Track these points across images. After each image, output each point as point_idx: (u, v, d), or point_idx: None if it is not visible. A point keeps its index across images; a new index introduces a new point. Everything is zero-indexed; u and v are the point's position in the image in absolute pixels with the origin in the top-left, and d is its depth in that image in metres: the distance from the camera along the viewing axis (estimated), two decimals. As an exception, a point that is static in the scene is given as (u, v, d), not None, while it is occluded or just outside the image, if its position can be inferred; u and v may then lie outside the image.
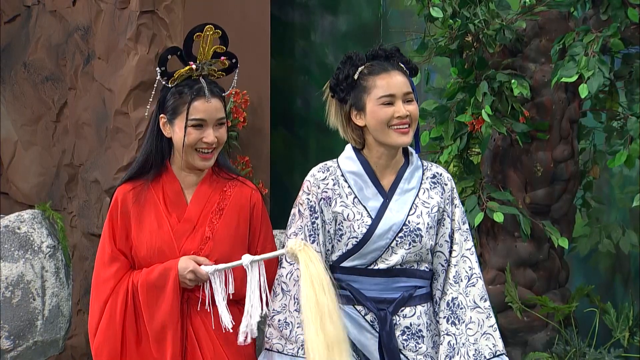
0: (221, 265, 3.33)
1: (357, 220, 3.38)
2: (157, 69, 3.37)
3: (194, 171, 3.43)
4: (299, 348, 3.34)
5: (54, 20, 6.01)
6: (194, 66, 3.37)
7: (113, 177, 5.64)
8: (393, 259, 3.37)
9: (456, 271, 3.44)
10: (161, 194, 3.41)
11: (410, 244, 3.38)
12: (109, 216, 3.43)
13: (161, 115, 3.42)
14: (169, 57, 3.38)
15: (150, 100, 3.47)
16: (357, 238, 3.37)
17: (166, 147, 3.43)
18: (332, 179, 3.43)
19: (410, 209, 3.40)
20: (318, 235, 3.40)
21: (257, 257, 3.33)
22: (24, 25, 6.17)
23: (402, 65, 3.41)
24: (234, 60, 3.44)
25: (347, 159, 3.46)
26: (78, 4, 5.87)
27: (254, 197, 3.46)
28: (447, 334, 3.42)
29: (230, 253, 3.39)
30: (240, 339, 3.29)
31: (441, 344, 3.42)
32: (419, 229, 3.39)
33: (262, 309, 3.33)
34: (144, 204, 3.40)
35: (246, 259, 3.31)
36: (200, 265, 3.32)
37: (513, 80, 4.53)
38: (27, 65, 6.12)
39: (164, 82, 3.39)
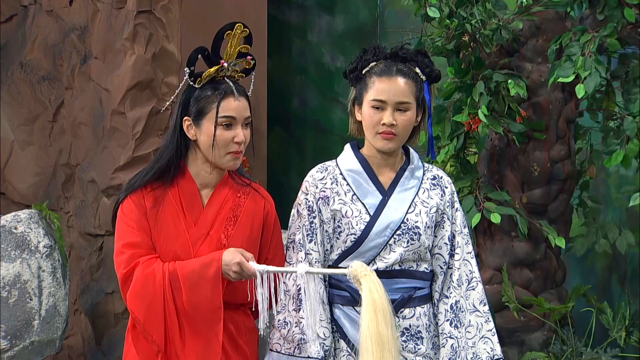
0: (272, 268, 3.27)
1: (356, 217, 3.38)
2: (186, 69, 3.33)
3: (215, 171, 3.40)
4: (295, 347, 3.35)
5: (51, 20, 6.00)
6: (225, 64, 3.35)
7: (110, 177, 5.63)
8: (391, 258, 3.38)
9: (459, 274, 3.44)
10: (177, 196, 3.38)
11: (408, 242, 3.38)
12: (137, 213, 3.35)
13: (185, 117, 3.38)
14: (199, 56, 3.34)
15: (173, 97, 3.42)
16: (355, 235, 3.37)
17: (184, 149, 3.40)
18: (331, 178, 3.43)
19: (409, 207, 3.41)
20: (316, 235, 3.41)
21: (313, 270, 3.29)
22: (21, 25, 6.17)
23: (419, 71, 3.40)
24: (253, 62, 3.43)
25: (346, 157, 3.46)
26: (75, 4, 5.86)
27: (267, 206, 3.45)
28: (450, 337, 3.42)
29: None
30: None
31: (443, 346, 3.42)
32: (417, 227, 3.39)
33: (316, 320, 3.28)
34: (162, 206, 3.37)
35: (302, 268, 3.26)
36: (248, 260, 3.27)
37: (510, 80, 4.53)
38: (23, 65, 6.11)
39: (190, 82, 3.36)
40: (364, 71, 3.40)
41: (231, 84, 3.36)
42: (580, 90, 4.34)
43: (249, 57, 3.41)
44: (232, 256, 3.26)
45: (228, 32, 3.35)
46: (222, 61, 3.35)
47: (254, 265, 3.26)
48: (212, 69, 3.34)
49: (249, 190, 3.44)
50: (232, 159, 3.36)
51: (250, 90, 3.43)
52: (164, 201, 3.37)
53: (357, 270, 3.22)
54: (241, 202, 3.41)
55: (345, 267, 3.29)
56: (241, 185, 3.43)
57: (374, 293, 3.18)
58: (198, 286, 3.27)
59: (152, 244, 3.34)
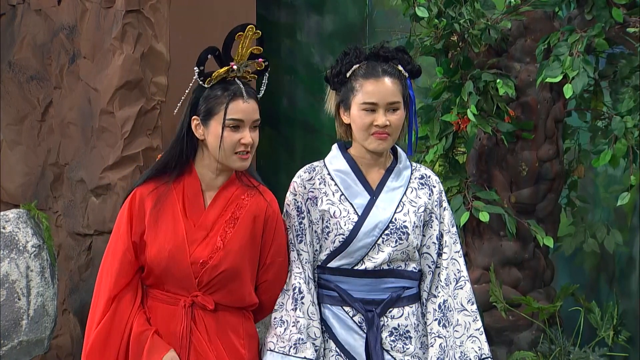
0: None
1: (344, 217, 3.38)
2: (195, 68, 3.30)
3: (224, 172, 3.37)
4: (291, 347, 3.34)
5: (39, 20, 5.99)
6: (235, 66, 3.33)
7: (99, 177, 5.63)
8: (379, 258, 3.38)
9: (447, 274, 3.44)
10: (181, 194, 3.35)
11: (396, 242, 3.39)
12: (127, 215, 3.34)
13: (193, 117, 3.35)
14: (208, 57, 3.31)
15: (182, 98, 3.41)
16: (343, 235, 3.37)
17: (191, 148, 3.37)
18: (319, 179, 3.44)
19: (397, 206, 3.41)
20: (305, 235, 3.41)
21: None
22: (9, 24, 6.16)
23: (401, 68, 3.40)
24: (266, 64, 3.41)
25: (334, 158, 3.47)
26: (63, 3, 5.85)
27: (270, 210, 3.39)
28: (439, 336, 3.42)
29: (240, 264, 3.33)
30: None
31: (432, 345, 3.42)
32: (406, 227, 3.39)
33: None
34: (164, 204, 3.33)
35: None
36: None
37: (498, 80, 4.54)
38: (12, 64, 6.10)
39: (200, 82, 3.33)
40: (348, 74, 3.40)
41: (241, 85, 3.33)
42: (568, 90, 4.35)
43: (260, 60, 3.38)
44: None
45: (239, 33, 3.32)
46: (232, 63, 3.32)
47: None
48: (222, 70, 3.32)
49: (253, 193, 3.39)
50: (240, 159, 3.33)
51: (261, 92, 3.41)
52: (166, 199, 3.34)
53: None
54: (243, 204, 3.37)
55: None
56: (247, 187, 3.39)
57: None
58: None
59: (136, 253, 3.33)
